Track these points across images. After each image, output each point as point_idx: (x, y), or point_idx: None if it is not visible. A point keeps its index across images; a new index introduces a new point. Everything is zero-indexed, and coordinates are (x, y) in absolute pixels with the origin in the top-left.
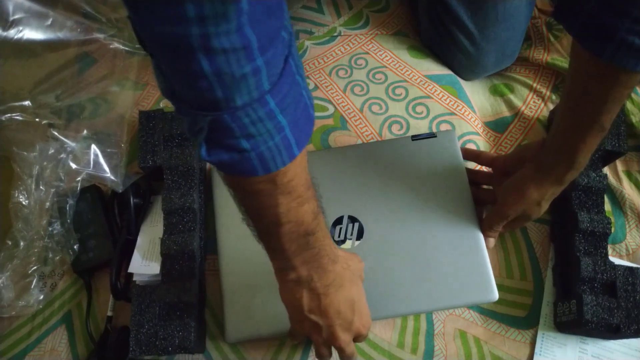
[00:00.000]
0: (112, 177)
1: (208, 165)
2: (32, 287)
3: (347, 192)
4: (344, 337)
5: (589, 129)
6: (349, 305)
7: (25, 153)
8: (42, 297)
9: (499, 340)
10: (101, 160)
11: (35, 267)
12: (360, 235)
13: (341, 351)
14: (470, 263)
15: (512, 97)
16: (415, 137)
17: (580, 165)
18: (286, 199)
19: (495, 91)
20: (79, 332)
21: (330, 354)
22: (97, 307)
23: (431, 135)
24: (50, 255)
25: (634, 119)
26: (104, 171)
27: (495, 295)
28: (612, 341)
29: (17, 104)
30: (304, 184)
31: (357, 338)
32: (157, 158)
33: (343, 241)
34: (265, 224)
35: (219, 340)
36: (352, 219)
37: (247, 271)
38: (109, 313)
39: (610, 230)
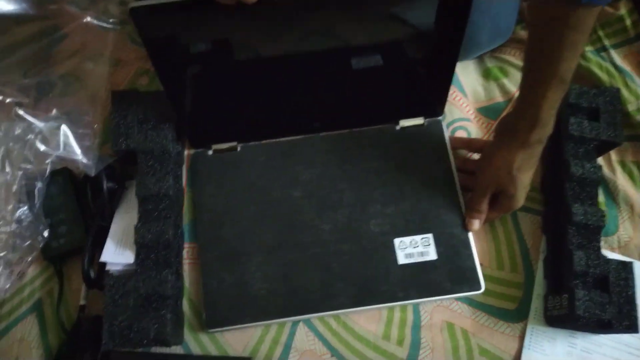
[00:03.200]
0: (84, 160)
1: (187, 149)
2: None
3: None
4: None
5: (548, 82)
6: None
7: None
8: (8, 285)
9: (488, 333)
10: (72, 141)
11: (1, 254)
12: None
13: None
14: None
15: (505, 81)
16: (401, 125)
17: (544, 123)
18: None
19: (488, 75)
20: (50, 322)
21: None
22: (70, 295)
23: (419, 124)
24: (18, 241)
25: (630, 108)
26: (75, 153)
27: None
28: (602, 335)
29: None
30: None
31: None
32: (131, 141)
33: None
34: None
35: (198, 331)
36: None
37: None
38: (82, 302)
39: (604, 223)
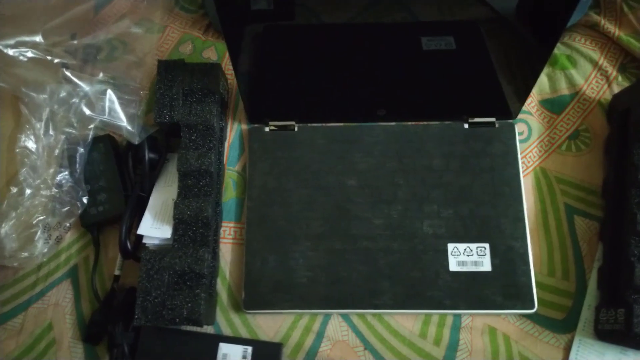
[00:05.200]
0: (129, 127)
1: (243, 126)
2: (37, 238)
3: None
4: None
5: None
6: None
7: (34, 94)
8: (46, 249)
9: (531, 341)
10: (117, 107)
11: (40, 218)
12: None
13: None
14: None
15: (573, 72)
16: (472, 124)
17: None
18: None
19: (555, 62)
20: (84, 289)
21: None
22: (105, 264)
23: (490, 123)
24: (57, 206)
25: None
26: (120, 120)
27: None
28: None
29: (28, 38)
30: None
31: None
32: (175, 114)
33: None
34: None
35: (230, 312)
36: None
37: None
38: (117, 272)
39: None
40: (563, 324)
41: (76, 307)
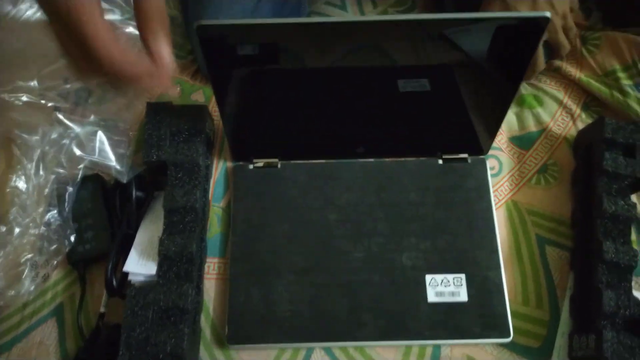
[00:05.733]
0: (118, 167)
1: (228, 164)
2: (24, 276)
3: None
4: None
5: None
6: None
7: (27, 136)
8: (33, 287)
9: None
10: (107, 147)
11: (28, 256)
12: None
13: None
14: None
15: (540, 110)
16: (445, 159)
17: None
18: None
19: (523, 102)
20: (69, 327)
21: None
22: (91, 301)
23: (462, 159)
24: (46, 244)
25: None
26: (109, 159)
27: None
28: None
29: (23, 83)
30: None
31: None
32: (162, 153)
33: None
34: None
35: (214, 347)
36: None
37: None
38: (102, 309)
39: (636, 263)
40: (539, 352)
41: (60, 346)
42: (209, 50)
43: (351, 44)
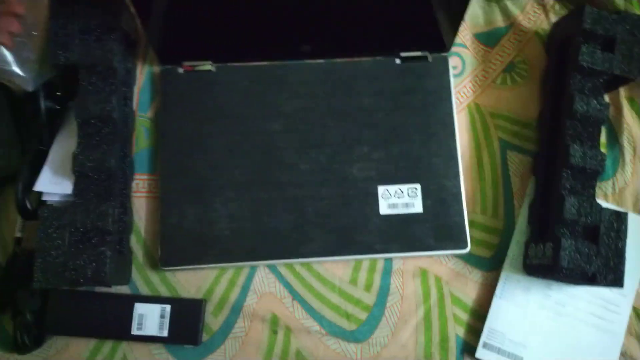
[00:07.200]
0: (20, 72)
1: (154, 68)
2: None
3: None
4: None
5: None
6: None
7: None
8: None
9: (462, 281)
10: (4, 50)
11: None
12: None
13: None
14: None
15: (508, 3)
16: (404, 58)
17: None
18: None
19: None
20: None
21: None
22: (6, 226)
23: (423, 58)
24: None
25: None
26: (8, 63)
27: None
28: (578, 287)
29: None
30: None
31: None
32: (71, 54)
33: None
34: None
35: (147, 270)
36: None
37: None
38: (17, 234)
39: (603, 168)
40: (492, 262)
41: None
42: None
43: None
